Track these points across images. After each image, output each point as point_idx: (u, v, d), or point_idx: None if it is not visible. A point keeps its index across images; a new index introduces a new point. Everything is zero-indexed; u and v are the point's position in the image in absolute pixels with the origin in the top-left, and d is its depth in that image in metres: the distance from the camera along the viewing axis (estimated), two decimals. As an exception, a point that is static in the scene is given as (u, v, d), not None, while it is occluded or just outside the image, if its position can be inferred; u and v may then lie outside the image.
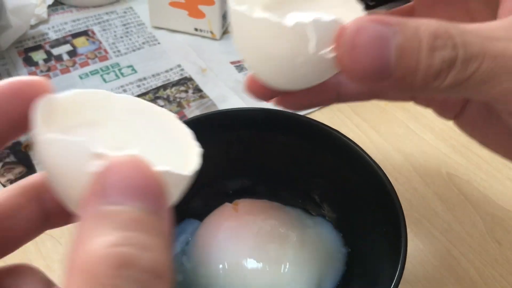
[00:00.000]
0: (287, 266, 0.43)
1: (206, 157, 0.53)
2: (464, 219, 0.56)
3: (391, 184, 0.42)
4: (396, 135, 0.65)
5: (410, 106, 0.69)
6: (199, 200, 0.49)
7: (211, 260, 0.43)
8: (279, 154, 0.49)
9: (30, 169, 0.56)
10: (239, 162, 0.50)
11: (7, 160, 0.57)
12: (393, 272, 0.37)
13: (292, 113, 0.48)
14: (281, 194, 0.51)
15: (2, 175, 0.55)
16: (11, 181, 0.55)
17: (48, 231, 0.51)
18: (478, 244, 0.53)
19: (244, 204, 0.48)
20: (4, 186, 0.54)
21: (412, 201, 0.57)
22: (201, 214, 0.49)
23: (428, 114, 0.68)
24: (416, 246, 0.53)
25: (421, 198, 0.58)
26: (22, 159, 0.57)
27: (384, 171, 0.43)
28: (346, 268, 0.46)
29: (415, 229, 0.54)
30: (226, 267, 0.43)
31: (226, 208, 0.47)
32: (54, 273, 0.48)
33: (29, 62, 0.71)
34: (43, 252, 0.50)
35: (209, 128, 0.48)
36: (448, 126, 0.67)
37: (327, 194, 0.49)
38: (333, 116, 0.67)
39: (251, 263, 0.43)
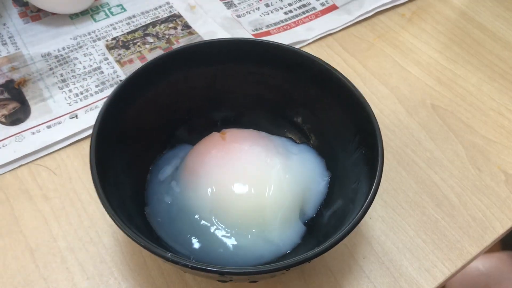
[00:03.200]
0: (271, 189, 0.44)
1: (193, 88, 0.55)
2: (446, 148, 0.57)
3: (370, 108, 0.43)
4: (383, 69, 0.66)
5: (399, 41, 0.70)
6: (188, 129, 0.51)
7: (199, 185, 0.45)
8: (265, 85, 0.51)
9: (24, 104, 0.57)
10: (225, 93, 0.52)
11: (1, 97, 0.58)
12: (369, 189, 0.39)
13: (277, 43, 0.49)
14: (267, 125, 0.52)
15: (-3, 111, 0.57)
16: (5, 116, 0.56)
17: (43, 163, 0.53)
18: (458, 171, 0.55)
19: (231, 133, 0.49)
20: (-1, 121, 0.56)
21: (396, 132, 0.59)
22: (190, 143, 0.51)
23: (416, 49, 0.69)
24: (399, 173, 0.55)
25: (405, 128, 0.59)
26: (15, 96, 0.58)
27: (370, 103, 0.44)
28: (328, 191, 0.48)
29: (398, 158, 0.56)
30: (214, 190, 0.45)
31: (214, 137, 0.49)
32: (50, 201, 0.51)
33: (19, 2, 0.71)
34: (39, 182, 0.52)
35: (195, 59, 0.49)
36: (435, 60, 0.67)
37: (311, 123, 0.51)
38: (322, 51, 0.68)
39: (237, 187, 0.44)
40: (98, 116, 0.41)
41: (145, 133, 0.48)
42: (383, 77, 0.65)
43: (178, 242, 0.44)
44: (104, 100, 0.55)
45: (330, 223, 0.45)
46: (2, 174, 0.53)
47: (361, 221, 0.38)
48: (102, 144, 0.41)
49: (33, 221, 0.49)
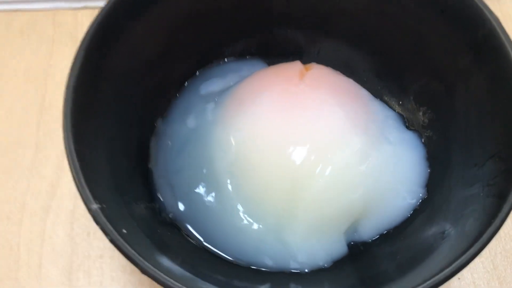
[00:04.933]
0: (322, 177, 0.29)
1: None
2: None
3: None
4: None
5: None
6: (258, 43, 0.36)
7: (234, 125, 0.31)
8: (391, 19, 0.33)
9: None
10: (330, 7, 0.35)
11: None
12: (482, 231, 0.23)
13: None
14: (372, 80, 0.36)
15: None
16: None
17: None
18: None
19: (316, 72, 0.33)
20: None
21: None
22: (264, 59, 0.36)
23: None
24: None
25: None
26: None
27: None
28: (409, 216, 0.31)
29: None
30: (247, 141, 0.31)
31: (292, 68, 0.33)
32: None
33: None
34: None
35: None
36: None
37: (435, 108, 0.33)
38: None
39: (277, 152, 0.30)
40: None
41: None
42: None
43: (172, 181, 0.32)
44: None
45: (391, 261, 0.29)
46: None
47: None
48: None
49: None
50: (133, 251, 0.23)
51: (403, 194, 0.31)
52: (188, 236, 0.30)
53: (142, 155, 0.32)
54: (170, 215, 0.31)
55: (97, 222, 0.23)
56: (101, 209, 0.23)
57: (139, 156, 0.31)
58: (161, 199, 0.31)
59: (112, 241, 0.23)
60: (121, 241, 0.23)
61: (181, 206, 0.31)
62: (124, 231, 0.23)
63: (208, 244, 0.30)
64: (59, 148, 0.37)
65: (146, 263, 0.23)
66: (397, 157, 0.32)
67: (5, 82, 0.40)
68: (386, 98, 0.36)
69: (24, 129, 0.38)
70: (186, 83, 0.35)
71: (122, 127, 0.30)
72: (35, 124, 0.38)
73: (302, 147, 0.30)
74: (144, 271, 0.22)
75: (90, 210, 0.23)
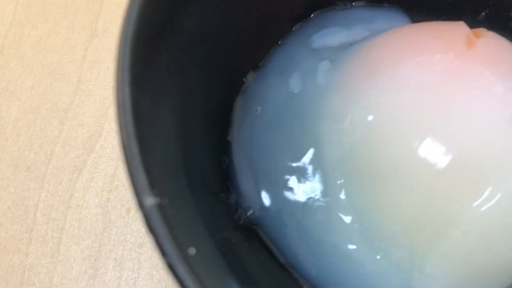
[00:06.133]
0: (493, 202, 0.19)
1: None
2: None
3: None
4: None
5: None
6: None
7: (369, 101, 0.21)
8: None
9: None
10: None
11: None
12: None
13: None
14: None
15: None
16: None
17: None
18: None
19: (491, 42, 0.22)
20: None
21: None
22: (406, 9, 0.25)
23: None
24: None
25: None
26: None
27: None
28: None
29: None
30: (395, 132, 0.20)
31: (457, 30, 0.23)
32: None
33: None
34: None
35: None
36: None
37: None
38: None
39: (442, 161, 0.19)
40: None
41: None
42: None
43: (257, 164, 0.22)
44: None
45: None
46: None
47: None
48: None
49: None
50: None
51: None
52: (269, 248, 0.21)
53: (223, 121, 0.22)
54: (249, 213, 0.21)
55: (151, 230, 0.14)
56: (161, 207, 0.14)
57: (218, 122, 0.22)
58: (240, 188, 0.21)
59: (171, 267, 0.14)
60: (184, 269, 0.13)
61: (263, 202, 0.22)
62: (193, 250, 0.14)
63: (292, 267, 0.21)
64: (108, 90, 0.28)
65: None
66: None
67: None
68: None
69: (66, 56, 0.29)
70: (294, 28, 0.25)
71: (201, 75, 0.20)
72: (82, 52, 0.29)
73: (466, 156, 0.19)
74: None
75: (141, 206, 0.14)
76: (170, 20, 0.17)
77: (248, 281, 0.17)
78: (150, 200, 0.14)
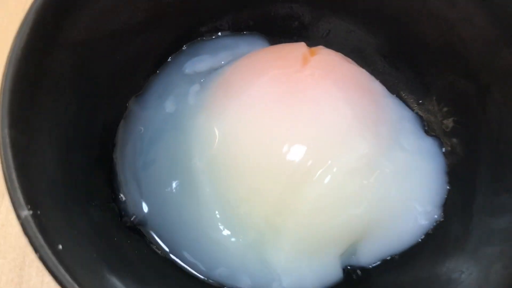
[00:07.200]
0: (318, 187, 0.24)
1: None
2: None
3: None
4: None
5: None
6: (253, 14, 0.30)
7: (226, 114, 0.26)
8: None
9: None
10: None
11: None
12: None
13: None
14: (388, 72, 0.30)
15: None
16: None
17: None
18: None
19: (323, 58, 0.28)
20: None
21: None
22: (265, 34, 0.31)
23: None
24: None
25: None
26: None
27: None
28: (421, 241, 0.26)
29: None
30: (245, 137, 0.25)
31: (295, 50, 0.28)
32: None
33: None
34: None
35: None
36: None
37: (461, 113, 0.27)
38: None
39: (268, 149, 0.24)
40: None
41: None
42: None
43: (139, 176, 0.27)
44: None
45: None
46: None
47: None
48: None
49: None
50: (65, 274, 0.18)
51: (415, 214, 0.26)
52: (152, 244, 0.26)
53: (107, 142, 0.27)
54: (133, 219, 0.26)
55: (26, 233, 0.18)
56: (34, 216, 0.19)
57: (103, 144, 0.26)
58: (124, 198, 0.26)
59: (42, 258, 0.18)
60: (52, 260, 0.18)
61: (145, 208, 0.26)
62: (60, 247, 0.19)
63: (175, 256, 0.25)
64: None
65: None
66: (411, 168, 0.26)
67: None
68: (403, 95, 0.30)
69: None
70: (169, 58, 0.30)
71: (83, 107, 0.24)
72: None
73: (299, 148, 0.24)
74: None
75: (19, 217, 0.19)
76: (45, 69, 0.22)
77: (123, 268, 0.21)
78: (25, 212, 0.18)
